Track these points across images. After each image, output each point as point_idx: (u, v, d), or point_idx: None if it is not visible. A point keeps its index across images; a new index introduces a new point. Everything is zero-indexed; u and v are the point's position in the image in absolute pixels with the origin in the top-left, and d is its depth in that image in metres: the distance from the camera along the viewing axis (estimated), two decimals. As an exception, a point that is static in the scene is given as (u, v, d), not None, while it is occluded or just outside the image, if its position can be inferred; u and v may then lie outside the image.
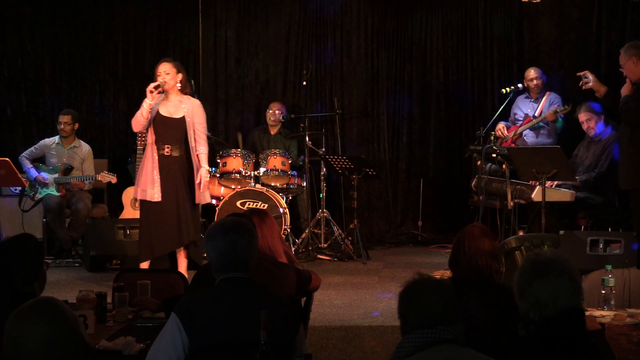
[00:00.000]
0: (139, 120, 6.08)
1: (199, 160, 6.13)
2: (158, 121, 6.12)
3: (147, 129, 6.14)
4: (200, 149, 6.15)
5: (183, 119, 6.13)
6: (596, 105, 6.92)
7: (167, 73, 6.10)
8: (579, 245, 5.88)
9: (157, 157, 6.09)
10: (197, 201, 6.17)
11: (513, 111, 7.87)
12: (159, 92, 6.06)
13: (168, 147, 6.10)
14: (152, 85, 6.05)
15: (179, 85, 6.15)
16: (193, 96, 6.71)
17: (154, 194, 6.05)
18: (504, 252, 4.95)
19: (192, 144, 6.12)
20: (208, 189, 6.33)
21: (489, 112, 8.36)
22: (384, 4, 8.98)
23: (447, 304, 2.42)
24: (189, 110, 6.16)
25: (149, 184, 6.07)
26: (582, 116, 7.01)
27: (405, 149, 9.02)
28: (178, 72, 6.16)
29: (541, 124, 7.57)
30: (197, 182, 6.10)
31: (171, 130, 6.13)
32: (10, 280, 3.20)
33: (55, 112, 8.69)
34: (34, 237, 3.58)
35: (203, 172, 6.11)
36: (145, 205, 6.14)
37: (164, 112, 6.14)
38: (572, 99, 7.47)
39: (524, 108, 7.76)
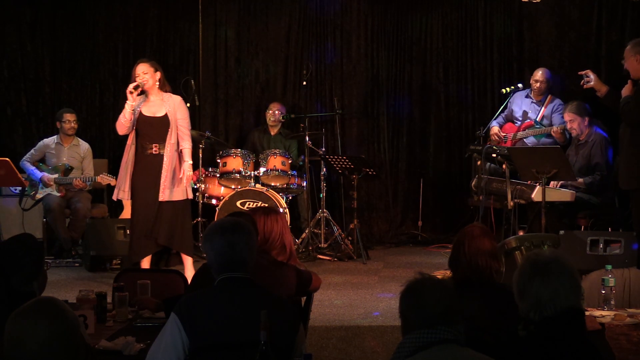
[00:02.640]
0: (122, 123, 6.19)
1: (182, 155, 6.19)
2: (141, 121, 6.21)
3: (131, 131, 6.20)
4: (184, 144, 6.24)
5: (166, 116, 6.22)
6: (585, 105, 6.94)
7: (145, 73, 6.20)
8: (579, 245, 5.88)
9: (132, 157, 6.20)
10: (187, 196, 6.25)
11: (510, 107, 7.82)
12: (139, 93, 6.15)
13: (156, 146, 6.20)
14: (131, 86, 6.15)
15: (157, 83, 6.22)
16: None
17: (125, 194, 6.20)
18: (504, 252, 4.95)
19: (173, 140, 6.19)
20: (189, 184, 6.38)
21: (489, 112, 8.36)
22: (384, 4, 8.98)
23: (448, 304, 2.42)
24: (171, 107, 6.24)
25: (122, 183, 6.21)
26: (567, 116, 7.02)
27: (405, 149, 9.02)
28: (156, 70, 6.26)
29: (543, 135, 7.50)
30: (179, 176, 6.16)
31: (156, 129, 6.22)
32: (9, 280, 3.20)
33: (56, 112, 8.69)
34: (34, 237, 3.58)
35: (186, 166, 6.19)
36: (132, 205, 6.29)
37: (146, 112, 6.24)
38: (573, 98, 7.46)
39: (523, 106, 7.72)
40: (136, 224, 6.24)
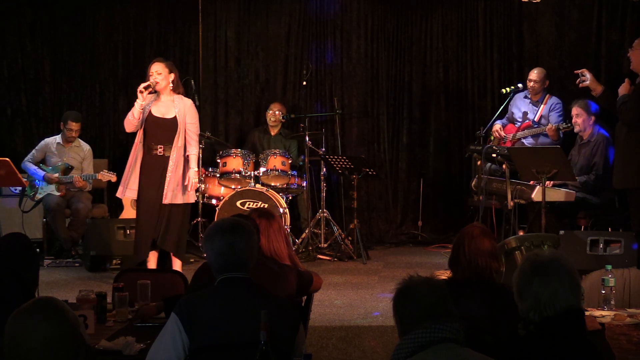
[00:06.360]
0: (131, 120, 6.14)
1: (188, 161, 6.14)
2: (150, 121, 6.15)
3: (139, 130, 6.17)
4: (191, 149, 6.17)
5: (175, 118, 6.15)
6: (593, 105, 6.94)
7: (158, 73, 6.13)
8: (579, 245, 5.89)
9: (140, 157, 6.14)
10: (185, 200, 6.19)
11: (511, 110, 7.84)
12: (150, 92, 6.10)
13: (161, 147, 6.13)
14: (142, 85, 6.09)
15: (171, 85, 6.16)
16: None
17: (133, 192, 6.15)
18: (504, 252, 4.95)
19: (180, 143, 6.14)
20: (194, 190, 6.34)
21: (489, 112, 8.36)
22: (384, 4, 8.98)
23: (440, 295, 2.41)
24: (181, 110, 6.16)
25: (129, 181, 6.16)
26: (574, 110, 7.06)
27: (405, 149, 9.02)
28: (170, 72, 6.18)
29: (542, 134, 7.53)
30: (185, 183, 6.11)
31: (163, 131, 6.15)
32: (22, 281, 3.20)
33: (56, 112, 8.70)
34: (26, 236, 3.59)
35: (192, 173, 6.13)
36: (137, 205, 6.25)
37: (155, 112, 6.17)
38: (572, 98, 7.46)
39: (523, 108, 7.74)
40: (142, 223, 6.17)
